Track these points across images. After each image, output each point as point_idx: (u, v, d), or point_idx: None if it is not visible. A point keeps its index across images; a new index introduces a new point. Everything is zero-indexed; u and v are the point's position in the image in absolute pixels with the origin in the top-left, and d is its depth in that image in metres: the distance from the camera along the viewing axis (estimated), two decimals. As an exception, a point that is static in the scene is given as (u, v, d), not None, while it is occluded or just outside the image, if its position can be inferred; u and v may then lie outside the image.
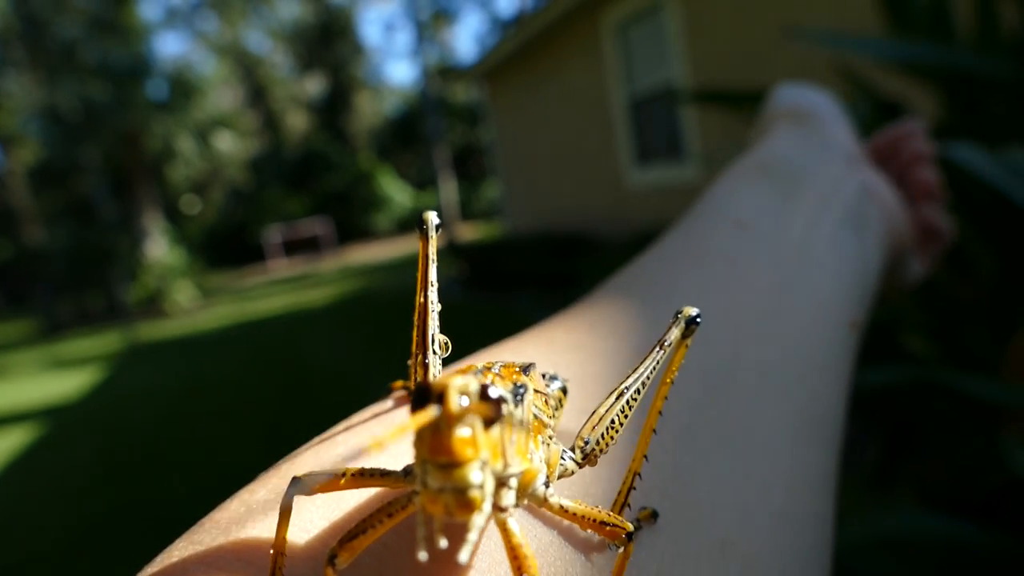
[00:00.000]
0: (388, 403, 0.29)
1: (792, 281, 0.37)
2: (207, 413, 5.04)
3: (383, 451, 0.14)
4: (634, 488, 0.25)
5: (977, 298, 1.06)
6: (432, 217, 0.26)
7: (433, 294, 0.26)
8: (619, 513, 0.24)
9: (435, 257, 0.26)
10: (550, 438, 0.23)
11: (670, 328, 0.25)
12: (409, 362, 0.26)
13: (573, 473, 0.24)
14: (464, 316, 6.51)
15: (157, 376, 6.70)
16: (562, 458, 0.23)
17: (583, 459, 0.24)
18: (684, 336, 0.25)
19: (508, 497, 0.18)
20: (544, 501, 0.21)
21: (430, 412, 0.16)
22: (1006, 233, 0.98)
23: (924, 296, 1.05)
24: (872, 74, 1.32)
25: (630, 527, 0.22)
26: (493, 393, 0.17)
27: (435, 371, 0.25)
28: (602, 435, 0.24)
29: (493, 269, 7.89)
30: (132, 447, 4.57)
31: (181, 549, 0.21)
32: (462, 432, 0.16)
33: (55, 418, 5.79)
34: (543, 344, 0.32)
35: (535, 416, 0.22)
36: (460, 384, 0.17)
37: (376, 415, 0.28)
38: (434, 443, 0.16)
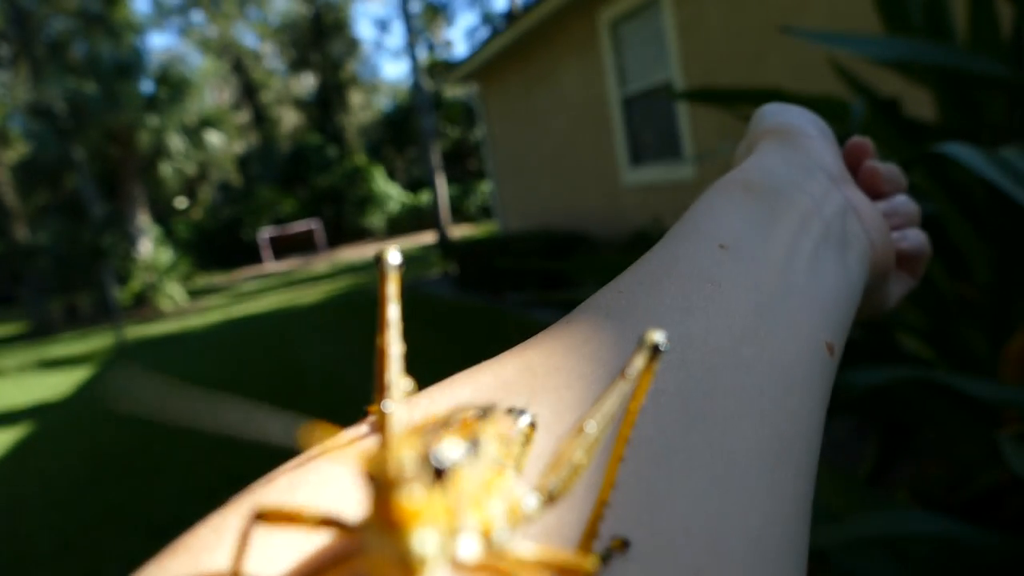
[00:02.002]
0: (364, 428, 0.29)
1: (772, 303, 0.37)
2: (198, 412, 5.02)
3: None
4: (603, 518, 0.24)
5: (973, 298, 1.07)
6: (391, 255, 0.25)
7: (394, 335, 0.25)
8: (588, 544, 0.24)
9: (395, 297, 0.25)
10: (509, 484, 0.23)
11: (634, 356, 0.24)
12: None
13: (535, 517, 0.24)
14: (458, 315, 6.51)
15: (148, 375, 6.67)
16: (523, 502, 0.24)
17: (546, 501, 0.24)
18: (649, 362, 0.24)
19: (465, 549, 0.18)
20: (501, 551, 0.22)
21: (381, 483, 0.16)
22: (1003, 232, 0.98)
23: (920, 296, 1.05)
24: (868, 73, 1.32)
25: (590, 567, 0.22)
26: (441, 456, 0.17)
27: (395, 418, 0.25)
28: (564, 475, 0.24)
29: (486, 268, 7.89)
30: (123, 447, 4.54)
31: (150, 575, 0.21)
32: (408, 499, 0.16)
33: (44, 418, 5.75)
34: (521, 367, 0.32)
35: (493, 464, 0.22)
36: (406, 450, 0.16)
37: (352, 441, 0.28)
38: (380, 510, 0.16)
